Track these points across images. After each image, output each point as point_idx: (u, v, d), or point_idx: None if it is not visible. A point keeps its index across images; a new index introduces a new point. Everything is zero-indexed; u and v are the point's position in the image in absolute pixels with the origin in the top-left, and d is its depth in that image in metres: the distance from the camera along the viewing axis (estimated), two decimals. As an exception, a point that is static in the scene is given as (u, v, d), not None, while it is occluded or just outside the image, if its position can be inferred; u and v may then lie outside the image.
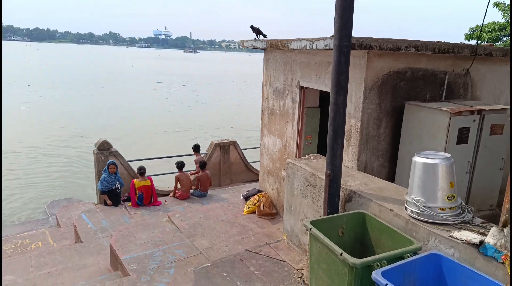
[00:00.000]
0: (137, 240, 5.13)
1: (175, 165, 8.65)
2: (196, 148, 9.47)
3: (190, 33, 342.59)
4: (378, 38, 4.19)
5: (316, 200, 4.22)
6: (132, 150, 14.13)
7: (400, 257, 2.68)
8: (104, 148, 8.79)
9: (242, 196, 7.24)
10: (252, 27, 6.05)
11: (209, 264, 4.26)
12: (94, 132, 19.54)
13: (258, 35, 6.09)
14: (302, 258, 4.38)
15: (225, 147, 10.36)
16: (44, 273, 5.24)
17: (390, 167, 4.94)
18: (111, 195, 8.04)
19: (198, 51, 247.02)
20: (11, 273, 5.25)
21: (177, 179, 8.47)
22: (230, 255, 4.49)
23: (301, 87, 5.62)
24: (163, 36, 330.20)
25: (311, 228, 3.00)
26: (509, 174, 2.65)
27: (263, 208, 6.26)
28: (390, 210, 3.29)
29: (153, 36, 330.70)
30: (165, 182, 9.94)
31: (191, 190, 8.89)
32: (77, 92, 34.73)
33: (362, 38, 4.05)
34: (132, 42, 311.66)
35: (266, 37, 6.20)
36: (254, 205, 6.49)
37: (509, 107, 4.71)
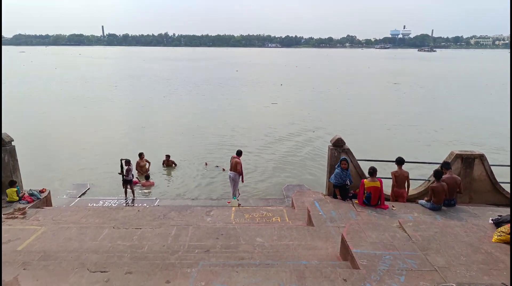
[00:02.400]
0: (367, 237, 5.18)
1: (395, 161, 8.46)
2: (446, 165, 8.35)
3: (432, 30, 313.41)
4: None
5: None
6: (362, 149, 14.29)
7: None
8: (338, 144, 9.31)
9: (492, 220, 6.07)
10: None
11: (454, 284, 3.81)
12: (325, 128, 21.12)
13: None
14: None
15: (468, 160, 8.96)
16: (283, 244, 6.10)
17: None
18: (341, 190, 8.46)
19: (434, 49, 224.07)
20: (260, 237, 6.39)
21: (393, 175, 8.36)
22: (481, 283, 3.85)
23: None
24: (400, 36, 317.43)
25: None
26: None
27: (523, 240, 5.04)
28: None
29: (390, 36, 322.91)
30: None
31: (422, 201, 8.24)
32: (316, 92, 38.39)
33: None
34: (367, 43, 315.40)
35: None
36: (508, 234, 5.32)
37: None
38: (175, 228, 6.56)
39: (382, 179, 8.03)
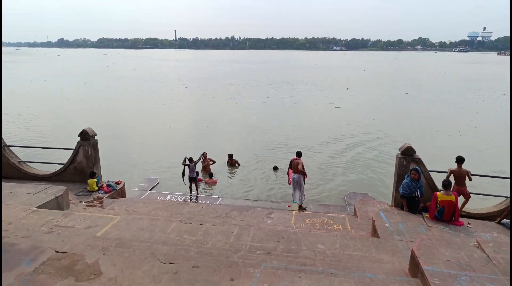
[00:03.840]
0: (440, 254, 4.83)
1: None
2: None
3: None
4: None
5: None
6: (432, 160, 13.35)
7: None
8: (408, 153, 8.82)
9: None
10: None
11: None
12: (391, 135, 20.10)
13: None
14: None
15: None
16: (346, 254, 5.92)
17: None
18: (409, 202, 7.99)
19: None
20: (321, 244, 6.27)
21: (449, 171, 8.15)
22: None
23: None
24: (479, 38, 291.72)
25: None
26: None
27: None
28: None
29: (467, 39, 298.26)
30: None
31: (504, 221, 7.48)
32: (384, 97, 36.79)
33: None
34: (441, 46, 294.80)
35: None
36: None
37: None
38: (237, 228, 6.71)
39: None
